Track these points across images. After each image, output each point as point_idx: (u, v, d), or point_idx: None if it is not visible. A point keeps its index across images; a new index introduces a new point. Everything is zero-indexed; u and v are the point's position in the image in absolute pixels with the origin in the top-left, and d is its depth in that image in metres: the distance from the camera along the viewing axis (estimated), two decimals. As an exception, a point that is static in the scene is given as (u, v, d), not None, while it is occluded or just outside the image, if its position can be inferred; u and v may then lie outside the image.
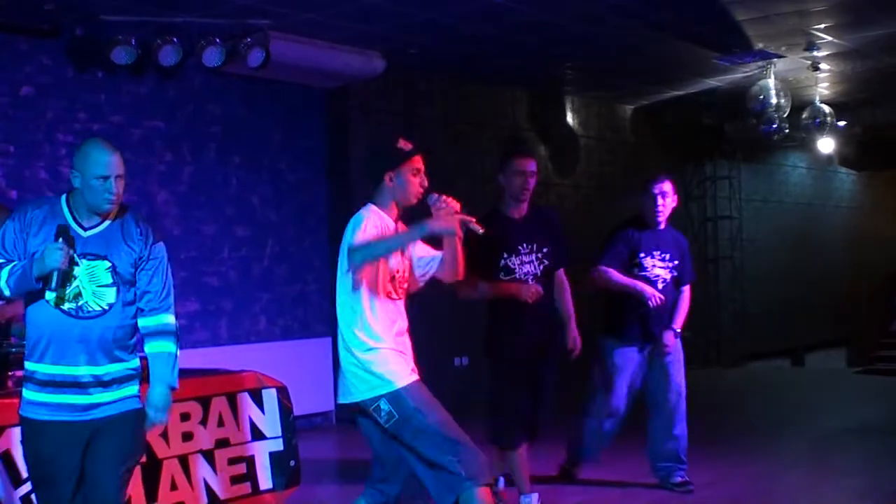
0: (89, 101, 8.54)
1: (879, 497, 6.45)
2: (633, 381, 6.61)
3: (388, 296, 4.56)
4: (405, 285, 4.67)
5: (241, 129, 9.61)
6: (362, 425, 4.62)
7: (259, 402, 6.41)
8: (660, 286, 6.47)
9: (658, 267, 6.52)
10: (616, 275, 6.45)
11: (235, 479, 6.20)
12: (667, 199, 6.54)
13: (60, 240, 3.95)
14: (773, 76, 10.82)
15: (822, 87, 12.17)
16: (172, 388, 4.28)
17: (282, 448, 6.43)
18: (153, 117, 8.99)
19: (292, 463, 6.47)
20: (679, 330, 6.60)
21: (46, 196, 4.22)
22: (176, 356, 4.36)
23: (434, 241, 4.68)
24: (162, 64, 8.34)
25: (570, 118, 12.77)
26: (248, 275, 9.62)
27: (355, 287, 4.50)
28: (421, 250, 4.75)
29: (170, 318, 4.32)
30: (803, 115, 12.14)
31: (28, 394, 4.05)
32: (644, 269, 6.50)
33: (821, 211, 17.78)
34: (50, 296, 3.99)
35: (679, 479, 6.53)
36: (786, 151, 16.29)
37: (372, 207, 4.60)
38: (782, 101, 10.90)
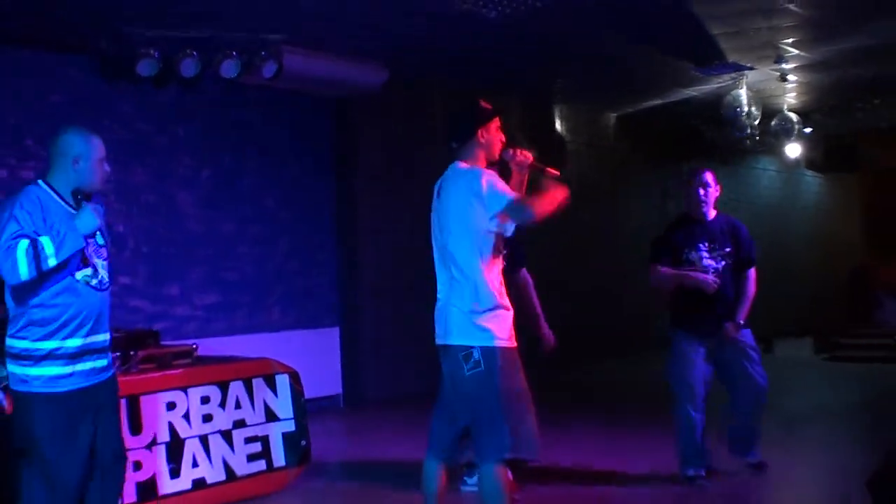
0: (116, 111, 8.54)
1: (845, 473, 6.46)
2: (705, 372, 6.27)
3: (499, 259, 4.60)
4: None
5: (256, 135, 9.60)
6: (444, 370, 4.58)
7: (273, 387, 6.42)
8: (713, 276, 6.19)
9: (707, 258, 6.22)
10: (668, 271, 6.21)
11: (251, 457, 6.21)
12: (709, 190, 6.31)
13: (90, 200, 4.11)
14: (745, 86, 10.83)
15: (790, 97, 12.17)
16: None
17: (294, 429, 6.45)
18: (175, 125, 8.99)
19: (303, 442, 6.49)
20: (741, 321, 6.27)
21: (23, 188, 4.12)
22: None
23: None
24: (183, 75, 8.32)
25: (558, 125, 12.76)
26: (263, 270, 9.61)
27: (486, 246, 4.49)
28: None
29: None
30: (772, 123, 12.15)
31: (53, 370, 4.05)
32: (692, 263, 6.21)
33: (788, 211, 17.78)
34: (80, 275, 4.06)
35: (752, 460, 6.43)
36: (757, 155, 16.28)
37: (465, 164, 4.63)
38: (753, 109, 10.90)
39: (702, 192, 6.32)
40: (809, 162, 16.62)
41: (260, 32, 8.19)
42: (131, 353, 4.76)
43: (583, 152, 13.06)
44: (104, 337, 4.24)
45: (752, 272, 6.40)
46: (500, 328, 4.44)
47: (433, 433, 4.69)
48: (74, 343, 4.07)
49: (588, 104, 12.83)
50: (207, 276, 9.14)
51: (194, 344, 6.46)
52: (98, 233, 4.21)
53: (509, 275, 5.46)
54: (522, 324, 5.55)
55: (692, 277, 6.16)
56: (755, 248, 6.48)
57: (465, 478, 6.03)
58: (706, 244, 6.26)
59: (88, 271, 4.10)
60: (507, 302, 4.53)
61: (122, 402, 5.03)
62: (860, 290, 18.37)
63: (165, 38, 8.07)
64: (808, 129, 12.87)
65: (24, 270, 3.87)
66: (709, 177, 6.39)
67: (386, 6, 7.72)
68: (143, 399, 5.69)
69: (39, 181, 4.14)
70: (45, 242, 3.90)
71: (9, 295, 4.09)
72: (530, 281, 6.19)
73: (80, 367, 4.10)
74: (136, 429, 5.58)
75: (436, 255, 4.68)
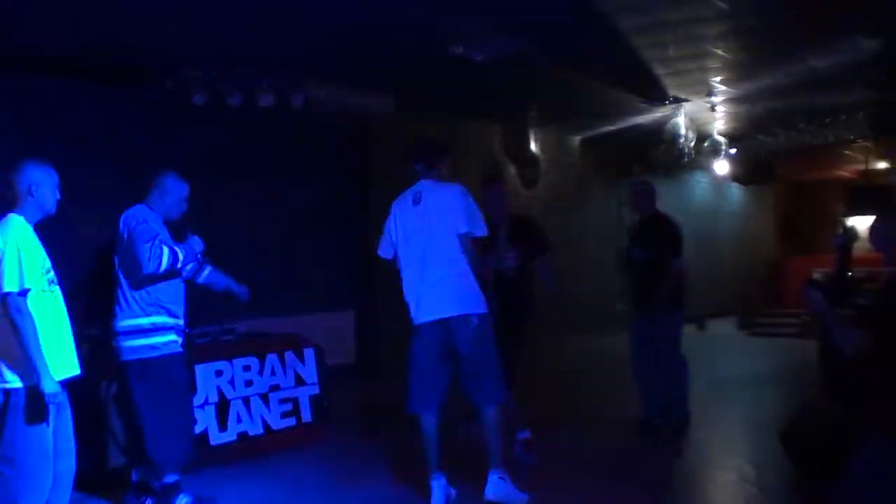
0: (170, 135, 8.50)
1: (765, 425, 6.49)
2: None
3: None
4: None
5: (288, 154, 9.58)
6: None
7: (301, 358, 6.44)
8: None
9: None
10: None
11: (284, 415, 6.23)
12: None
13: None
14: (683, 115, 10.85)
15: (719, 123, 12.18)
16: None
17: (318, 392, 6.47)
18: (221, 147, 8.96)
19: (326, 403, 6.50)
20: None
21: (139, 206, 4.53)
22: None
23: None
24: (228, 104, 8.32)
25: (533, 145, 12.75)
26: (293, 264, 9.60)
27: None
28: None
29: None
30: (705, 144, 12.17)
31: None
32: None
33: (717, 216, 17.79)
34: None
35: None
36: (692, 170, 16.28)
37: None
38: (689, 133, 10.93)
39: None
40: (734, 176, 16.63)
41: (290, 69, 8.18)
42: (187, 331, 4.80)
43: (552, 168, 13.05)
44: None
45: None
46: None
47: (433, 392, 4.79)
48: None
49: (557, 128, 12.83)
50: (248, 271, 9.11)
51: (238, 323, 6.47)
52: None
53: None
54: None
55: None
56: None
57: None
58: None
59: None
60: None
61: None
62: (774, 277, 18.45)
63: (215, 76, 8.07)
64: (733, 150, 12.89)
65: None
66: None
67: (391, 49, 7.72)
68: (196, 367, 5.70)
69: (143, 206, 4.64)
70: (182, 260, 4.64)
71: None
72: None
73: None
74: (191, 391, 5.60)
75: (413, 248, 4.81)
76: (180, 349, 4.62)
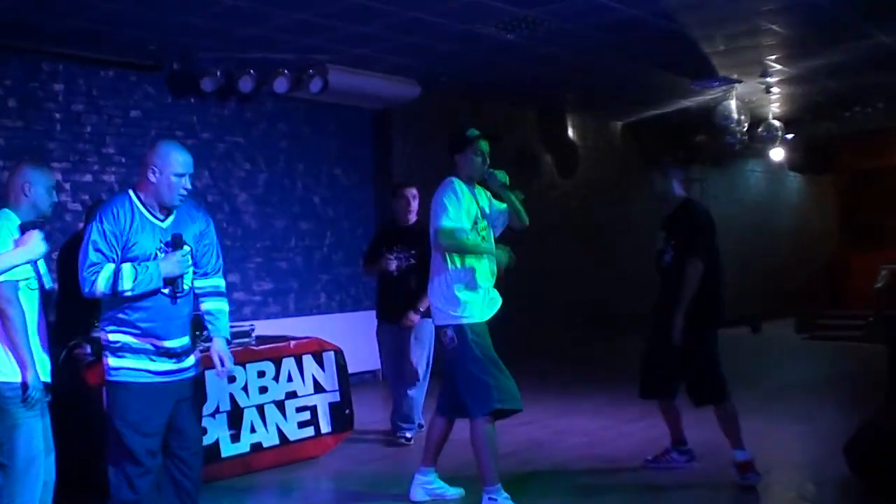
0: (184, 122, 8.57)
1: (818, 438, 6.40)
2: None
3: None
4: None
5: (305, 142, 9.61)
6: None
7: (320, 362, 6.42)
8: None
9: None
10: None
11: (302, 424, 6.21)
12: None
13: (185, 248, 3.88)
14: (734, 98, 10.73)
15: (775, 106, 12.04)
16: (228, 341, 4.18)
17: (338, 399, 6.44)
18: (234, 134, 9.01)
19: (347, 411, 6.48)
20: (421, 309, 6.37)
21: (116, 195, 4.01)
22: (228, 313, 4.20)
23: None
24: (241, 91, 8.36)
25: (570, 132, 12.68)
26: (311, 260, 9.62)
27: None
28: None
29: (222, 281, 4.19)
30: (759, 129, 12.03)
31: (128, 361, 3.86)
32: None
33: (772, 208, 17.59)
34: (165, 289, 3.86)
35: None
36: (745, 158, 16.11)
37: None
38: (742, 117, 10.81)
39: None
40: (791, 164, 16.44)
41: (308, 53, 8.19)
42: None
43: (592, 156, 12.97)
44: (178, 343, 3.98)
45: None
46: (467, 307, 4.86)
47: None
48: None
49: (596, 113, 12.74)
50: (263, 266, 9.17)
51: (251, 325, 6.47)
52: (187, 244, 3.95)
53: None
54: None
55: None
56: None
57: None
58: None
59: (178, 287, 3.92)
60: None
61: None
62: (836, 275, 18.19)
63: (226, 59, 8.10)
64: (790, 135, 12.73)
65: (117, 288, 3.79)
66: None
67: (419, 31, 7.69)
68: (206, 373, 5.71)
69: (129, 191, 3.92)
70: (126, 277, 3.75)
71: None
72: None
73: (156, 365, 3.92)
74: (201, 399, 5.60)
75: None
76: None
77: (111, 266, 3.76)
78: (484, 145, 4.99)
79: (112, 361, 3.87)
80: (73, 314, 5.77)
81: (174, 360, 3.92)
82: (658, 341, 5.45)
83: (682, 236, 5.42)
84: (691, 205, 5.64)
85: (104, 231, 3.77)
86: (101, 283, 3.73)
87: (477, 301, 4.79)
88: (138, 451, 3.82)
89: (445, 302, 4.80)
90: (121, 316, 3.84)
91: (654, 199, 5.87)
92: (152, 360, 3.87)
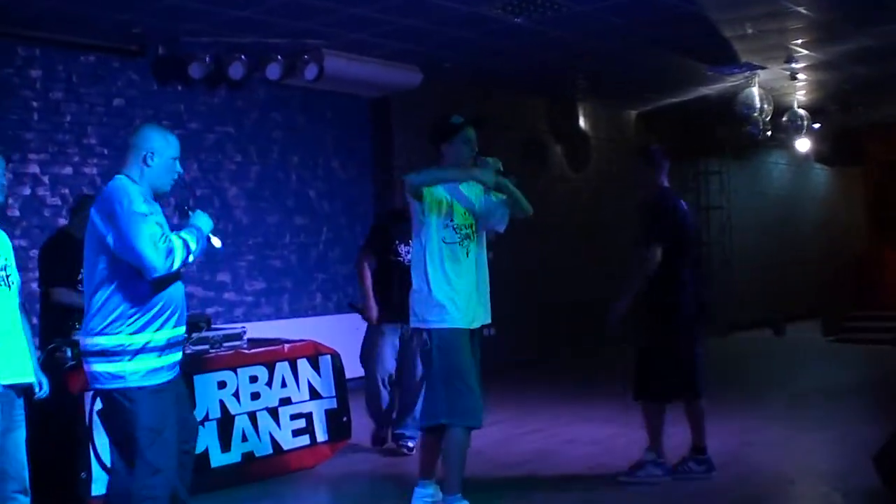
0: (170, 110, 8.57)
1: (846, 447, 6.38)
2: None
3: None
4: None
5: (299, 133, 9.61)
6: None
7: (316, 367, 6.41)
8: None
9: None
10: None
11: (296, 433, 6.21)
12: None
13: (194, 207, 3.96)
14: (757, 85, 10.71)
15: (800, 94, 12.03)
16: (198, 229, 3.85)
17: (335, 406, 6.44)
18: (224, 124, 9.01)
19: (344, 418, 6.47)
20: None
21: (112, 182, 3.72)
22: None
23: None
24: (232, 78, 8.36)
25: (582, 122, 12.67)
26: (306, 258, 9.63)
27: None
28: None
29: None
30: (783, 119, 12.02)
31: (148, 363, 3.66)
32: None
33: (797, 202, 17.58)
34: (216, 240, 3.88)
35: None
36: (768, 150, 16.10)
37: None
38: (765, 106, 10.78)
39: None
40: (818, 155, 16.42)
41: (302, 38, 8.19)
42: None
43: (604, 147, 12.96)
44: (183, 329, 3.88)
45: None
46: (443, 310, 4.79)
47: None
48: (168, 334, 3.73)
49: (609, 101, 12.73)
50: (255, 264, 9.17)
51: (243, 327, 6.46)
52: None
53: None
54: None
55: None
56: None
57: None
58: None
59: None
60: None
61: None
62: (865, 273, 18.17)
63: (215, 43, 8.10)
64: (816, 125, 12.71)
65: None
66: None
67: (421, 14, 7.69)
68: (195, 378, 5.71)
69: (122, 178, 3.73)
70: (193, 244, 3.73)
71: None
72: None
73: (170, 358, 3.76)
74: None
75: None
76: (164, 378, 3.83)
77: (172, 234, 3.64)
78: (471, 132, 4.90)
79: (120, 367, 3.62)
80: (51, 316, 5.80)
81: (179, 350, 3.84)
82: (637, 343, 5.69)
83: (645, 223, 5.52)
84: (665, 193, 5.69)
85: (144, 201, 3.64)
86: (179, 252, 3.60)
87: (451, 308, 4.69)
88: (162, 462, 3.64)
89: (420, 304, 4.77)
90: (138, 311, 3.62)
91: (637, 184, 5.92)
92: (167, 354, 3.73)
